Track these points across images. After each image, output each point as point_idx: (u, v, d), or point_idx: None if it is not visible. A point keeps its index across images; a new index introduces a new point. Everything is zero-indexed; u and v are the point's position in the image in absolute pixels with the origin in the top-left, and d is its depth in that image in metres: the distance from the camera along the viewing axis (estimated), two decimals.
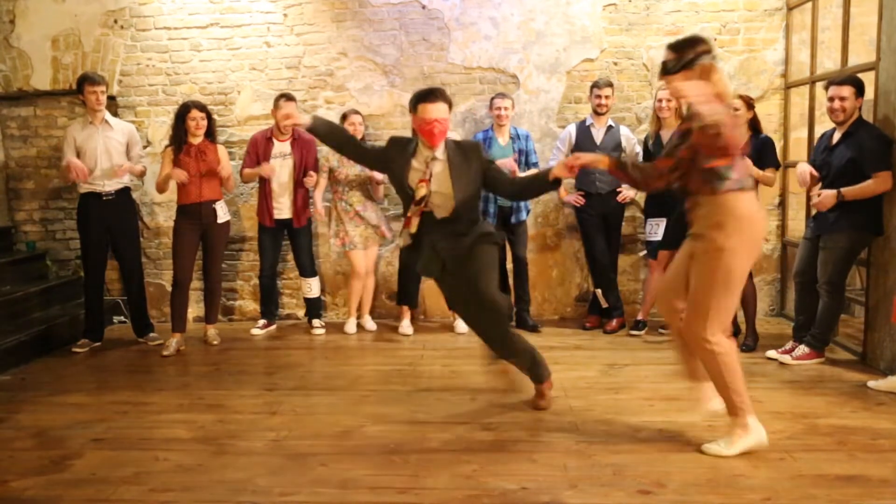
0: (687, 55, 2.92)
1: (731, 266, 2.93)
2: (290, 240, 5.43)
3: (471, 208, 3.46)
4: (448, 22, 5.59)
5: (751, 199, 2.97)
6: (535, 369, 3.61)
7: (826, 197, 4.10)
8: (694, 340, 3.05)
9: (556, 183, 3.35)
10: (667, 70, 2.98)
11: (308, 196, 5.35)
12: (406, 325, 5.37)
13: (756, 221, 2.97)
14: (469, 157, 3.40)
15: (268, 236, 5.35)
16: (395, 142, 3.55)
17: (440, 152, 3.38)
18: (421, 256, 3.47)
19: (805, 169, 4.28)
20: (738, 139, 3.01)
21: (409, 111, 3.50)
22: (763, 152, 4.49)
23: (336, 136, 3.58)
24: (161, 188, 5.00)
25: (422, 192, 3.35)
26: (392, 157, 3.46)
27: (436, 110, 3.28)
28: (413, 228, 3.41)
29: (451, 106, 3.40)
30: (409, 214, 3.42)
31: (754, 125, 4.57)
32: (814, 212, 4.41)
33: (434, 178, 3.36)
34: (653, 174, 3.12)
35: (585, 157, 3.26)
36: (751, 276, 4.67)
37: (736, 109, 4.51)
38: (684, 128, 2.99)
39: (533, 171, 5.12)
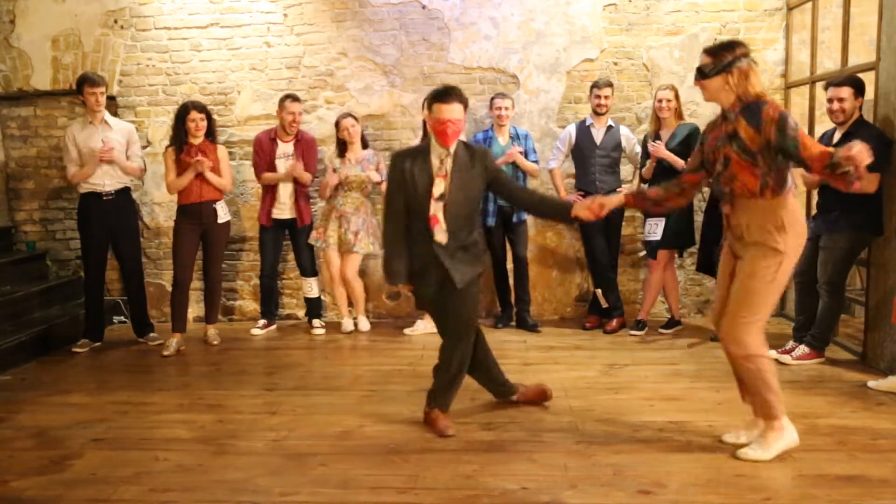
0: (725, 58, 2.89)
1: (786, 269, 2.92)
2: (290, 239, 5.44)
3: (466, 214, 3.37)
4: (448, 22, 5.59)
5: (797, 202, 3.00)
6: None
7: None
8: (735, 344, 2.97)
9: (573, 220, 3.35)
10: (704, 74, 2.94)
11: (309, 196, 5.37)
12: (421, 325, 5.30)
13: (805, 224, 2.99)
14: (474, 161, 3.35)
15: (268, 236, 5.36)
16: (400, 155, 3.41)
17: (451, 150, 3.33)
18: (426, 276, 3.36)
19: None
20: None
21: (424, 108, 3.43)
22: None
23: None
24: (175, 188, 4.93)
25: (440, 188, 3.27)
26: (407, 169, 3.31)
27: (450, 111, 3.23)
28: (444, 225, 3.27)
29: (466, 106, 3.35)
30: (431, 213, 3.28)
31: None
32: (814, 212, 4.41)
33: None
34: (675, 191, 3.14)
35: (609, 204, 3.23)
36: None
37: None
38: (728, 129, 2.92)
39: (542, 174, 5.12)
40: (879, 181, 3.99)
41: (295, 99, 5.21)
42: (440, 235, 3.29)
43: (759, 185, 2.88)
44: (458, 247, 3.34)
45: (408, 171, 3.30)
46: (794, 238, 2.90)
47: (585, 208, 3.25)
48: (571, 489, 2.79)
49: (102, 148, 4.83)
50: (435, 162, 3.32)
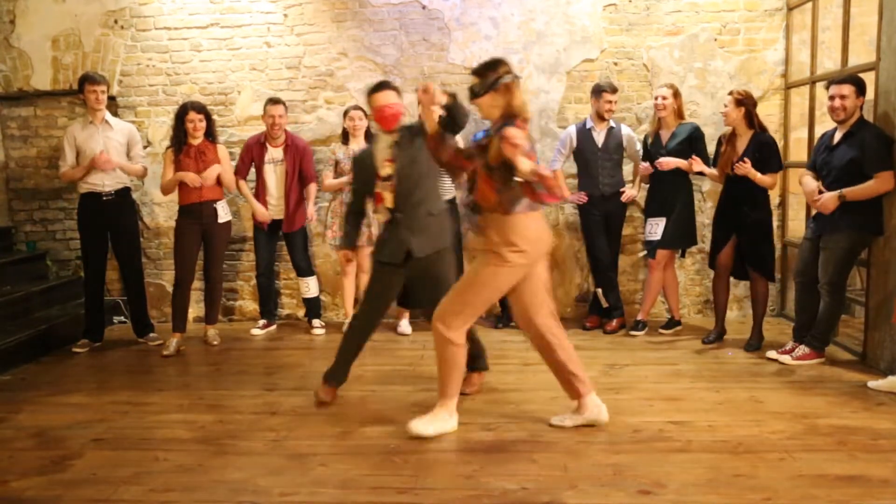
0: (489, 78, 3.14)
1: (507, 278, 3.14)
2: (284, 240, 5.43)
3: (424, 187, 3.65)
4: (448, 22, 5.59)
5: (538, 219, 3.18)
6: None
7: (828, 199, 4.09)
8: (441, 324, 3.21)
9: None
10: (474, 93, 3.18)
11: (301, 200, 5.33)
12: (405, 325, 5.36)
13: (543, 242, 3.21)
14: (413, 136, 3.63)
15: (262, 235, 5.35)
16: (357, 157, 3.92)
17: (396, 136, 3.66)
18: (388, 244, 3.70)
19: (812, 186, 4.28)
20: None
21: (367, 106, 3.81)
22: (763, 153, 4.46)
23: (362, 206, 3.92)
24: (167, 190, 4.98)
25: (387, 170, 3.62)
26: (365, 165, 3.75)
27: (385, 97, 3.63)
28: (389, 203, 3.64)
29: (399, 92, 3.73)
30: (377, 191, 3.68)
31: (751, 122, 4.52)
32: (814, 212, 4.41)
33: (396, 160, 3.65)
34: (454, 164, 3.31)
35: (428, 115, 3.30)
36: (764, 277, 4.67)
37: (725, 106, 4.53)
38: (484, 143, 3.15)
39: None
40: (893, 180, 3.99)
41: (275, 102, 5.17)
42: (383, 214, 3.76)
43: (495, 200, 3.07)
44: (419, 219, 3.62)
45: (367, 165, 3.73)
46: (524, 255, 3.10)
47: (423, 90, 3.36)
48: (571, 489, 2.79)
49: (99, 157, 4.83)
50: (381, 151, 3.67)
